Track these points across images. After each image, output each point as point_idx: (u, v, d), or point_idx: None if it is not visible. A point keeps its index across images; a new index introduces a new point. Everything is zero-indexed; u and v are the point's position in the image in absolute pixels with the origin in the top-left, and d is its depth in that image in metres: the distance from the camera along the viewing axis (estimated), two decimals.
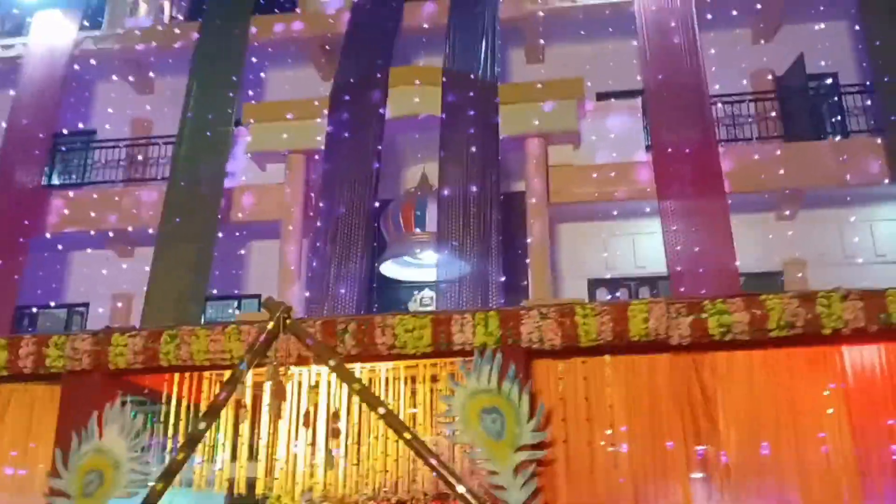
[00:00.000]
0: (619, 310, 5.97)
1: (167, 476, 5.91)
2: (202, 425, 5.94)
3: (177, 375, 7.31)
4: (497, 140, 12.11)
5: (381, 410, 5.91)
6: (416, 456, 5.88)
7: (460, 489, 5.61)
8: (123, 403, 6.39)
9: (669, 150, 11.91)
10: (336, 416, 6.14)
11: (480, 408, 5.91)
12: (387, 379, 7.34)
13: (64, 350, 6.51)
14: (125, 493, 6.11)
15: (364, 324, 6.26)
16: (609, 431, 6.09)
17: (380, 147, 12.36)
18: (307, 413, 6.16)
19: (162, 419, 7.25)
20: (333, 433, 6.06)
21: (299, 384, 7.16)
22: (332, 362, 6.05)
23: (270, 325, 6.15)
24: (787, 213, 12.64)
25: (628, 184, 12.22)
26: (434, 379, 7.63)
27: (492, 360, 5.99)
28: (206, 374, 7.61)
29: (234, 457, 8.32)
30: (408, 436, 5.82)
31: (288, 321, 6.17)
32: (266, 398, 7.84)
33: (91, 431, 6.25)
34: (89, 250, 14.20)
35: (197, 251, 12.68)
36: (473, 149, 12.05)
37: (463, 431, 5.88)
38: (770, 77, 13.18)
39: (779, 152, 12.00)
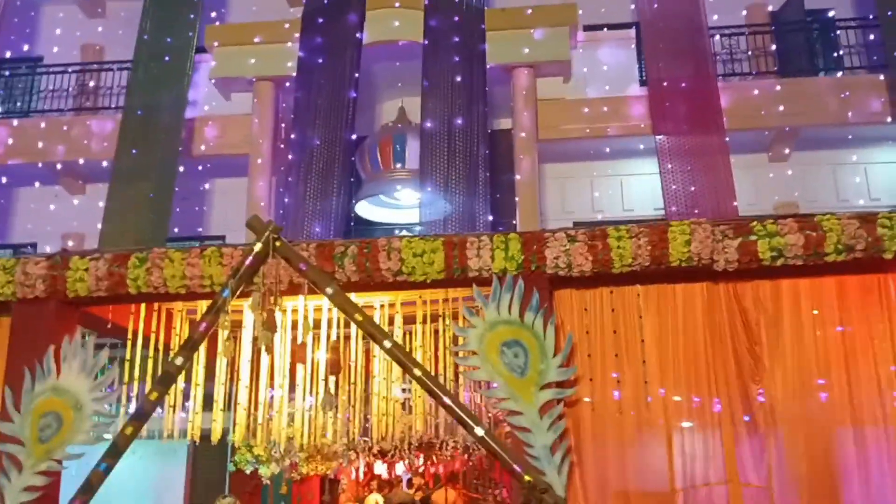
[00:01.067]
0: (658, 231, 5.30)
1: (138, 418, 5.09)
2: (179, 360, 5.12)
3: (144, 309, 6.50)
4: (484, 69, 11.30)
5: (387, 344, 5.14)
6: (429, 395, 5.15)
7: (478, 431, 4.89)
8: (84, 336, 5.55)
9: (665, 83, 11.24)
10: (335, 348, 5.37)
11: (501, 341, 5.22)
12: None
13: (13, 275, 5.62)
14: (88, 439, 5.30)
15: (366, 247, 5.50)
16: (640, 369, 5.48)
17: (356, 74, 11.43)
18: (302, 346, 5.38)
19: (127, 359, 6.44)
20: (332, 368, 5.29)
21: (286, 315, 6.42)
22: (329, 290, 5.24)
23: (257, 246, 5.30)
24: (782, 153, 12.08)
25: (621, 119, 11.52)
26: (435, 319, 6.94)
27: (512, 287, 5.29)
28: (178, 308, 6.82)
29: (205, 405, 7.57)
30: (418, 372, 5.08)
31: (278, 243, 5.34)
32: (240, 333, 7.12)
33: (47, 368, 5.41)
34: (37, 185, 13.05)
35: (156, 187, 11.65)
36: (458, 78, 11.22)
37: (481, 367, 5.18)
38: (769, 9, 12.50)
39: (778, 88, 11.40)
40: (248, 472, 9.87)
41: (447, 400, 5.06)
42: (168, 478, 11.71)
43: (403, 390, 8.77)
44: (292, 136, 11.45)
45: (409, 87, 12.00)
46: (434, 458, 10.01)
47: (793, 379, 5.36)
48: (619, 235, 5.28)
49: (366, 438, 9.41)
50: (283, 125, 12.02)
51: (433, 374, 7.65)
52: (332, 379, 6.68)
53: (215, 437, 7.17)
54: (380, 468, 10.77)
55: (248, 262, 5.31)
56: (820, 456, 5.25)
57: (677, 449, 5.34)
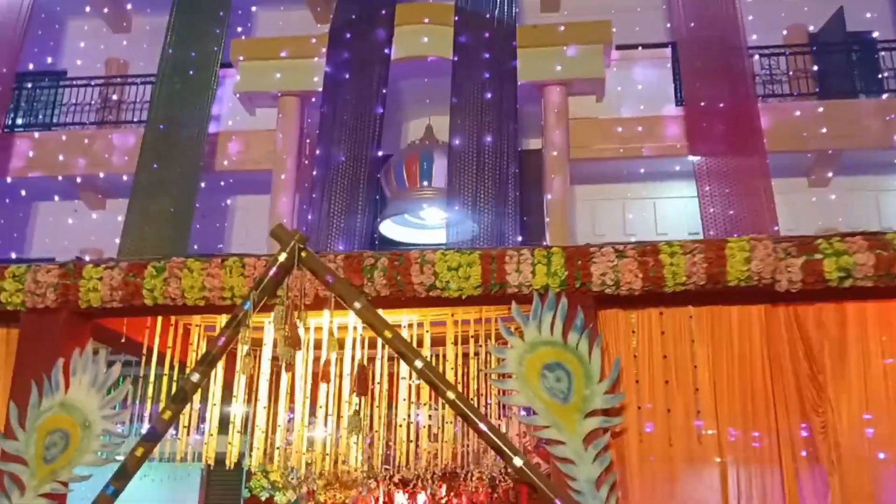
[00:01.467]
0: (714, 248, 4.89)
1: (150, 439, 4.73)
2: (196, 377, 4.76)
3: (160, 323, 6.17)
4: (515, 86, 10.97)
5: (419, 363, 4.76)
6: (465, 421, 4.75)
7: (517, 462, 4.49)
8: (96, 351, 5.20)
9: (703, 103, 10.87)
10: (363, 369, 4.98)
11: (542, 363, 4.81)
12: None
13: (24, 283, 5.29)
14: (96, 460, 4.93)
15: (397, 259, 5.13)
16: (693, 397, 5.05)
17: (384, 90, 11.15)
18: (326, 365, 5.00)
19: (141, 375, 6.10)
20: (359, 389, 4.90)
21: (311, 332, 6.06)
22: (357, 304, 4.88)
23: (282, 257, 4.96)
24: (822, 177, 11.65)
25: (656, 139, 11.16)
26: (466, 341, 6.54)
27: (555, 306, 4.89)
28: (196, 323, 6.47)
29: (220, 427, 7.21)
30: (451, 395, 4.69)
31: (304, 253, 4.99)
32: (263, 350, 6.75)
33: (55, 382, 5.06)
34: (56, 199, 12.85)
35: (176, 202, 11.37)
36: (488, 95, 10.91)
37: (520, 391, 4.77)
38: (811, 29, 12.13)
39: (820, 110, 10.99)
40: (263, 498, 9.47)
41: (483, 426, 4.66)
42: (180, 503, 11.32)
43: (429, 416, 8.38)
44: (317, 152, 11.15)
45: (437, 105, 11.72)
46: (458, 489, 9.56)
47: (859, 411, 4.92)
48: (673, 251, 4.89)
49: (387, 466, 9.00)
50: (307, 141, 11.75)
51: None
52: (355, 401, 6.29)
53: (231, 460, 6.78)
54: (400, 499, 10.32)
55: (271, 273, 4.96)
56: (889, 495, 4.79)
57: (732, 486, 4.89)
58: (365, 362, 6.41)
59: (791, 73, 11.44)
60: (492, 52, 11.12)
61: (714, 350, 5.10)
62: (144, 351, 6.01)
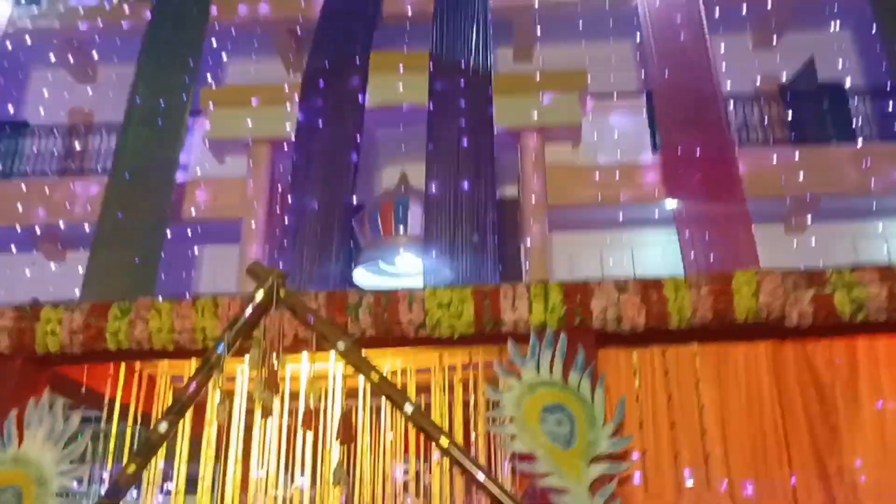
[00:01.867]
0: (720, 281, 4.63)
1: (112, 496, 4.27)
2: (163, 426, 4.33)
3: (123, 371, 5.71)
4: (492, 133, 10.84)
5: (409, 409, 4.39)
6: (459, 469, 4.37)
7: None
8: (53, 401, 4.74)
9: (679, 150, 10.81)
10: (347, 417, 4.59)
11: (542, 406, 4.46)
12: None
13: None
14: None
15: (384, 297, 4.78)
16: (700, 441, 4.73)
17: (358, 137, 10.95)
18: (307, 413, 4.59)
19: (102, 430, 5.61)
20: (344, 437, 4.50)
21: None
22: (341, 345, 4.52)
23: (259, 295, 4.61)
24: (799, 223, 11.61)
25: (634, 186, 11.06)
26: (452, 388, 6.16)
27: (553, 344, 4.57)
28: (163, 370, 6.01)
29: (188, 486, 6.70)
30: (445, 441, 4.32)
31: (282, 292, 4.64)
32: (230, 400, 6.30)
33: (8, 435, 4.58)
34: (13, 249, 12.31)
35: (141, 252, 10.95)
36: (465, 142, 10.74)
37: (519, 435, 4.42)
38: (783, 80, 12.24)
39: (797, 156, 10.98)
40: None
41: (481, 476, 4.29)
42: None
43: (405, 472, 7.96)
44: (289, 199, 10.86)
45: (411, 154, 11.56)
46: None
47: (874, 450, 4.63)
48: (676, 286, 4.62)
49: None
50: (279, 189, 11.45)
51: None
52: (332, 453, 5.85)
53: None
54: None
55: (247, 313, 4.59)
56: None
57: None
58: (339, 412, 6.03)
59: (766, 120, 11.45)
60: (468, 100, 11.00)
61: (720, 390, 4.80)
62: (106, 402, 5.54)
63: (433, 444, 4.47)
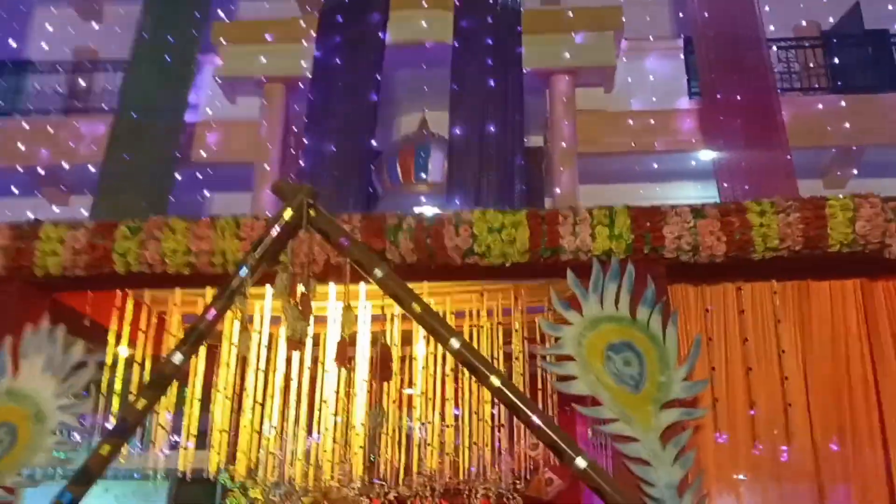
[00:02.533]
0: (812, 206, 4.10)
1: (119, 434, 3.75)
2: (178, 357, 3.80)
3: (132, 307, 5.21)
4: (520, 74, 10.20)
5: (455, 344, 3.84)
6: (513, 412, 3.84)
7: (580, 463, 3.59)
8: (52, 329, 4.22)
9: (719, 96, 10.18)
10: (386, 349, 4.06)
11: (606, 343, 3.94)
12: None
13: None
14: (50, 460, 3.95)
15: (427, 220, 4.25)
16: (780, 388, 4.22)
17: (378, 77, 10.32)
18: (341, 344, 4.06)
19: (107, 363, 5.12)
20: (383, 374, 3.98)
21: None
22: (378, 272, 3.96)
23: (287, 214, 4.05)
24: (840, 177, 11.00)
25: (669, 134, 10.42)
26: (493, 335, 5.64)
27: (620, 274, 4.03)
28: (171, 313, 5.47)
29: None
30: (496, 381, 3.78)
31: (313, 212, 4.09)
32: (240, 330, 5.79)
33: (1, 365, 4.09)
34: (14, 191, 11.75)
35: (148, 196, 10.38)
36: (492, 83, 10.12)
37: (580, 377, 3.89)
38: (831, 21, 11.53)
39: (843, 104, 10.34)
40: None
41: (536, 419, 3.76)
42: None
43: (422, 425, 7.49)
44: (305, 141, 10.27)
45: (433, 97, 10.92)
46: None
47: None
48: (762, 210, 4.07)
49: (381, 481, 7.99)
50: (294, 128, 10.86)
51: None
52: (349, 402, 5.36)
53: (213, 467, 5.79)
54: None
55: (274, 233, 4.04)
56: None
57: (832, 497, 4.04)
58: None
59: (809, 67, 10.79)
60: (495, 38, 10.35)
61: (803, 332, 4.28)
62: (112, 335, 5.03)
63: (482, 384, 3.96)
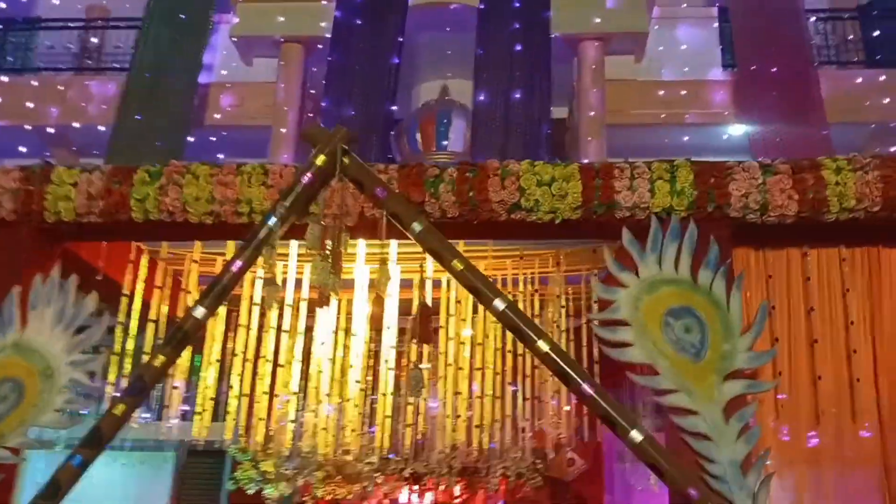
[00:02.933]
0: (894, 164, 3.75)
1: (135, 393, 3.46)
2: (200, 312, 3.49)
3: (146, 263, 4.90)
4: (548, 39, 9.82)
5: (500, 305, 3.53)
6: (562, 379, 3.52)
7: (636, 436, 3.28)
8: (63, 280, 3.91)
9: (754, 67, 9.79)
10: (426, 309, 3.74)
11: (664, 308, 3.61)
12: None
13: None
14: (59, 420, 3.66)
15: (470, 171, 3.92)
16: (846, 363, 3.90)
17: (401, 39, 9.96)
18: (379, 300, 3.75)
19: (120, 321, 4.82)
20: (423, 335, 3.66)
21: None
22: (416, 226, 3.65)
23: (319, 160, 3.73)
24: (877, 153, 10.56)
25: (701, 105, 10.04)
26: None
27: (681, 234, 3.70)
28: (188, 272, 5.16)
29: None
30: (544, 346, 3.47)
31: (347, 159, 3.76)
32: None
33: (8, 317, 3.78)
34: (23, 150, 11.44)
35: (160, 157, 9.99)
36: (518, 47, 9.74)
37: (636, 343, 3.57)
38: None
39: (882, 78, 9.94)
40: (250, 492, 8.14)
41: (588, 388, 3.45)
42: (149, 497, 9.92)
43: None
44: (322, 104, 9.93)
45: (455, 65, 10.58)
46: (475, 488, 8.30)
47: None
48: (839, 167, 3.73)
49: (396, 457, 7.70)
50: (311, 93, 10.51)
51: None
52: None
53: (229, 433, 5.51)
54: (404, 498, 9.00)
55: (304, 179, 3.72)
56: None
57: None
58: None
59: (848, 39, 10.38)
60: (522, 1, 9.97)
61: (873, 303, 3.95)
62: (127, 291, 4.73)
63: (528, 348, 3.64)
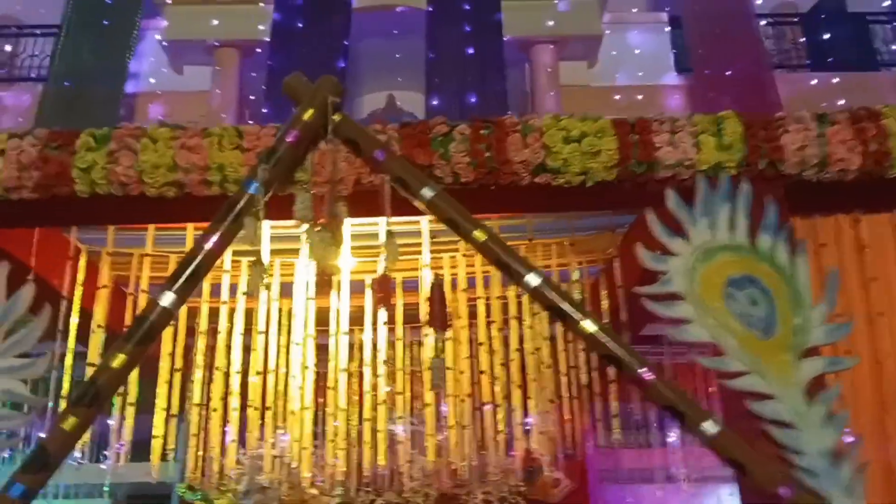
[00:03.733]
0: None
1: (88, 401, 2.72)
2: (169, 299, 2.78)
3: (85, 260, 4.14)
4: (500, 42, 9.43)
5: (534, 280, 2.94)
6: (614, 365, 2.95)
7: (709, 428, 2.72)
8: None
9: (709, 71, 9.60)
10: (439, 292, 3.10)
11: (725, 277, 3.09)
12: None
13: None
14: None
15: (486, 127, 3.35)
16: None
17: (346, 42, 9.40)
18: (383, 281, 3.10)
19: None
20: (439, 322, 3.02)
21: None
22: (427, 192, 3.03)
23: (306, 114, 3.10)
24: None
25: (657, 109, 9.69)
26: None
27: (733, 193, 3.21)
28: (143, 264, 4.43)
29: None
30: (590, 326, 2.90)
31: (337, 116, 3.15)
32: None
33: None
34: None
35: None
36: (471, 50, 9.32)
37: (695, 319, 3.03)
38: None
39: (836, 80, 9.88)
40: None
41: (649, 376, 2.89)
42: None
43: (412, 423, 6.62)
44: (263, 111, 9.27)
45: (403, 73, 10.09)
46: None
47: None
48: None
49: (367, 489, 7.02)
50: (251, 98, 9.84)
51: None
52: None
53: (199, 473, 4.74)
54: None
55: (290, 138, 3.08)
56: None
57: None
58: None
59: (798, 42, 10.33)
60: (472, 3, 9.57)
61: None
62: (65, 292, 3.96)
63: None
